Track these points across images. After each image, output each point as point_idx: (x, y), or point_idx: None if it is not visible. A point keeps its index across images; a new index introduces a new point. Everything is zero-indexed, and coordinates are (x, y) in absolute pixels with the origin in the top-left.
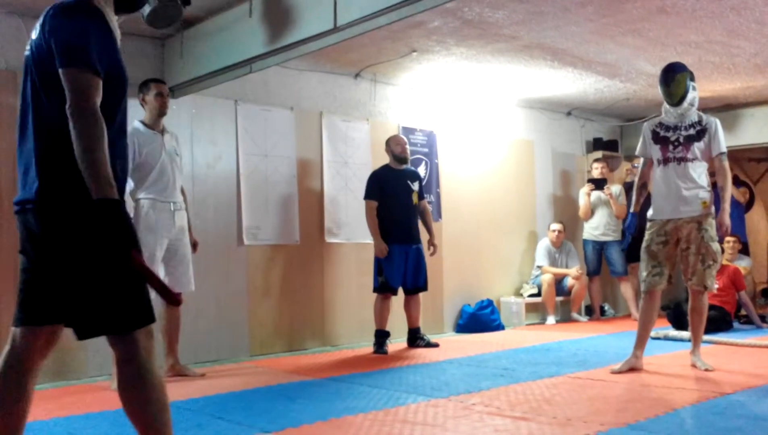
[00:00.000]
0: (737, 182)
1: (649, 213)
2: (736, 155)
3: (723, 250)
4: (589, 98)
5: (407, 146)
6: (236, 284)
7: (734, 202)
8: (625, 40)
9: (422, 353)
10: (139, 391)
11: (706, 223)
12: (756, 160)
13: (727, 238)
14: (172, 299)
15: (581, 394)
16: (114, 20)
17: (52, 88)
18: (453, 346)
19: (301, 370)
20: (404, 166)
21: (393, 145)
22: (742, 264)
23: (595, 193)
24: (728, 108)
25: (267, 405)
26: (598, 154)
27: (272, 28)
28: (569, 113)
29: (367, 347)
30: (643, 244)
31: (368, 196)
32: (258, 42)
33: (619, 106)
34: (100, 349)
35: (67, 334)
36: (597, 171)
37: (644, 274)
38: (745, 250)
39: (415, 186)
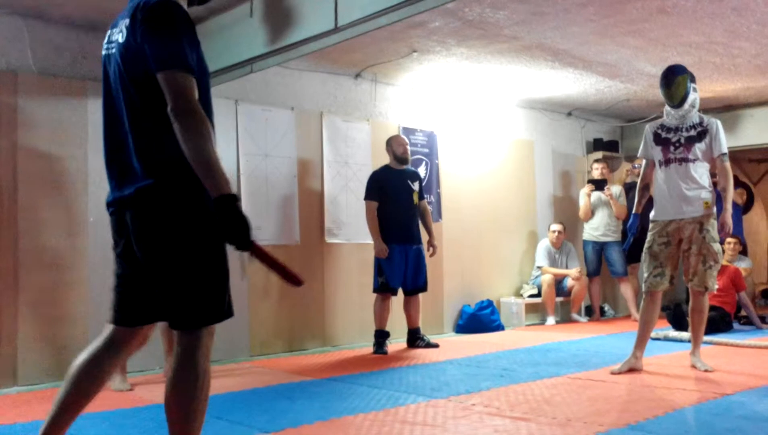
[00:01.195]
0: (735, 183)
1: (652, 214)
2: (736, 156)
3: (723, 251)
4: (589, 99)
5: (408, 147)
6: (236, 284)
7: (732, 204)
8: (625, 40)
9: (422, 353)
10: (186, 385)
11: (707, 224)
12: (756, 160)
13: (728, 240)
14: (296, 281)
15: (581, 394)
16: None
17: (147, 89)
18: (453, 347)
19: (301, 371)
20: (404, 167)
21: (395, 145)
22: (742, 265)
23: (596, 194)
24: (729, 109)
25: (267, 405)
26: (599, 154)
27: (273, 29)
28: (570, 114)
29: (367, 347)
30: (646, 245)
31: (368, 196)
32: (259, 42)
33: (620, 106)
34: None
35: (65, 334)
36: (597, 171)
37: (646, 274)
38: (743, 251)
39: (416, 186)
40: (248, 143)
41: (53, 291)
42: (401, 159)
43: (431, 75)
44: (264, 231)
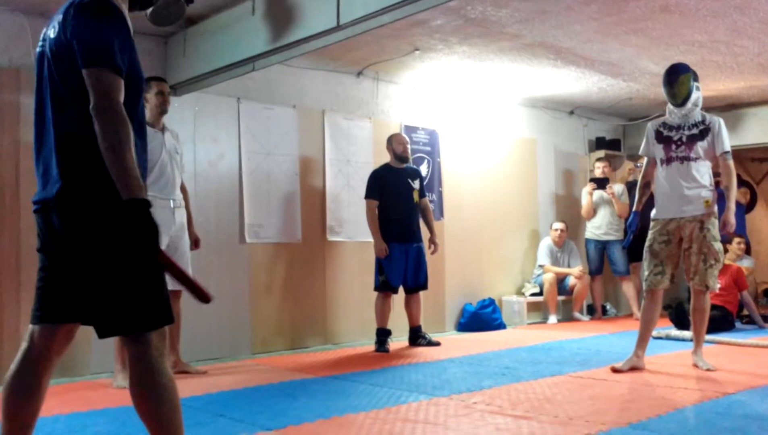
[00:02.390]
0: (738, 182)
1: (653, 212)
2: (739, 155)
3: (727, 250)
4: (592, 97)
5: (409, 145)
6: (238, 282)
7: (736, 203)
8: (628, 39)
9: (423, 352)
10: (149, 391)
11: (708, 223)
12: (759, 159)
13: (736, 239)
14: (203, 296)
15: (583, 393)
16: (128, 17)
17: (73, 87)
18: (454, 345)
19: (303, 368)
20: (405, 165)
21: (395, 144)
22: (745, 264)
23: (598, 193)
24: (731, 107)
25: (268, 402)
26: (601, 153)
27: (275, 26)
28: (572, 112)
29: (369, 345)
30: (646, 244)
31: (369, 195)
32: (261, 40)
33: (622, 105)
34: (102, 347)
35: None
36: (599, 170)
37: (646, 273)
38: (746, 250)
39: (416, 184)
40: (250, 141)
41: None
42: (401, 157)
43: (433, 73)
44: (266, 229)
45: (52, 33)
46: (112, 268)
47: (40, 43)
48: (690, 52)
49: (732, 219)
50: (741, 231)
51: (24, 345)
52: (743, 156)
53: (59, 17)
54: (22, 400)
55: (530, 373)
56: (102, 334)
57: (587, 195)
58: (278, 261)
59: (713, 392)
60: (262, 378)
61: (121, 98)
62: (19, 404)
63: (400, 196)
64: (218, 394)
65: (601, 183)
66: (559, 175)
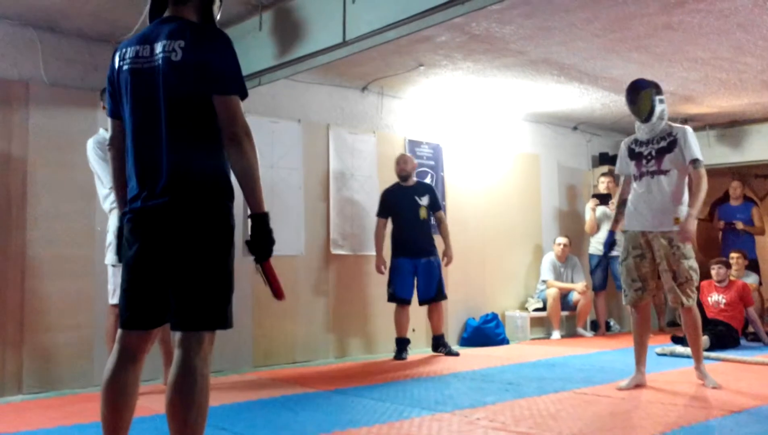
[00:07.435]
0: (743, 198)
1: (624, 225)
2: (743, 171)
3: (729, 266)
4: (595, 113)
5: (406, 165)
6: (241, 295)
7: (751, 230)
8: (631, 55)
9: (427, 367)
10: (186, 391)
11: (678, 240)
12: (762, 176)
13: (732, 254)
14: (279, 295)
15: (586, 409)
16: None
17: (188, 104)
18: (457, 360)
19: (305, 382)
20: (414, 182)
21: (394, 165)
22: (749, 280)
23: (601, 208)
24: (735, 124)
25: (270, 416)
26: (604, 168)
27: (282, 42)
28: (575, 128)
29: (372, 359)
30: (620, 258)
31: (377, 213)
32: (267, 55)
33: (626, 121)
34: (104, 359)
35: (71, 343)
36: (603, 186)
37: (625, 288)
38: (755, 268)
39: (424, 200)
40: None
41: (59, 300)
42: (400, 177)
43: (437, 88)
44: None
45: (159, 49)
46: (202, 268)
47: (131, 60)
48: (693, 69)
49: (690, 226)
50: (749, 247)
51: (117, 347)
52: (747, 172)
53: (179, 42)
54: (122, 398)
55: (534, 389)
56: (179, 326)
57: (590, 210)
58: (281, 274)
59: (718, 410)
60: (264, 391)
61: None
62: (120, 402)
63: (405, 214)
64: (220, 407)
65: (603, 199)
66: (562, 191)
